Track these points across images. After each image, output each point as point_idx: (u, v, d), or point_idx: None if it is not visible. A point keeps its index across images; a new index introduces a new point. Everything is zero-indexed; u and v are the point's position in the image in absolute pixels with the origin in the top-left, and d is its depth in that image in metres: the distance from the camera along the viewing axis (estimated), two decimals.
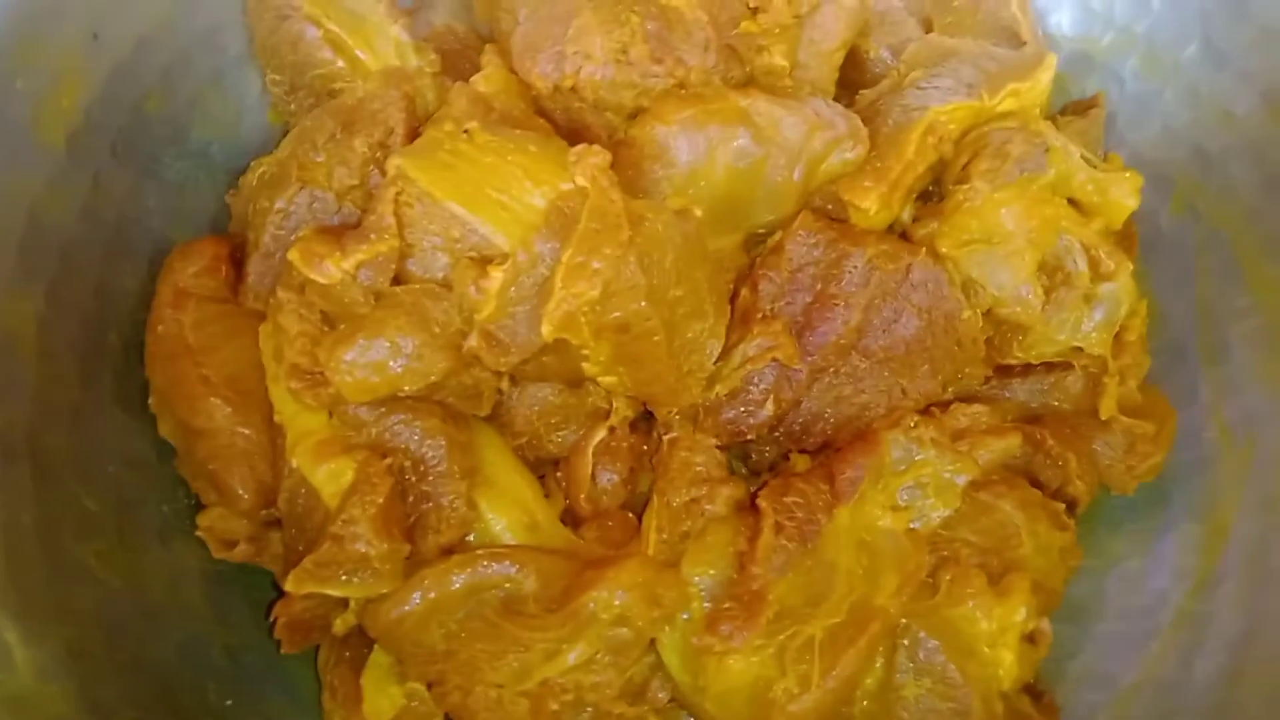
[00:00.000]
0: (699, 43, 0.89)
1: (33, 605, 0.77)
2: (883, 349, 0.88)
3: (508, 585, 0.78)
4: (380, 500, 0.77)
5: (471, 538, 0.83)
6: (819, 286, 0.88)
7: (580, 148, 0.79)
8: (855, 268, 0.87)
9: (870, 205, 0.88)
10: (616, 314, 0.78)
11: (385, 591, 0.78)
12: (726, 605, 0.78)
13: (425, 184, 0.79)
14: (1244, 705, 0.84)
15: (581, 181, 0.77)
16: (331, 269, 0.78)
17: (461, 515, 0.81)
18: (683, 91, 0.88)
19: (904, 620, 0.81)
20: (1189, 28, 1.01)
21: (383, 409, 0.81)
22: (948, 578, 0.82)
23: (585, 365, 0.81)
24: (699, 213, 0.84)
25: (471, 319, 0.79)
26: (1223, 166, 0.99)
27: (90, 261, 0.88)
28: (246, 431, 0.85)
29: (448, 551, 0.81)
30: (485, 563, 0.78)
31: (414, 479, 0.81)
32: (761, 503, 0.81)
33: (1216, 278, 0.99)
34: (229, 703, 0.87)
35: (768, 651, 0.78)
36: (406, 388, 0.79)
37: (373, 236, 0.79)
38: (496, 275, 0.77)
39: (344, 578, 0.76)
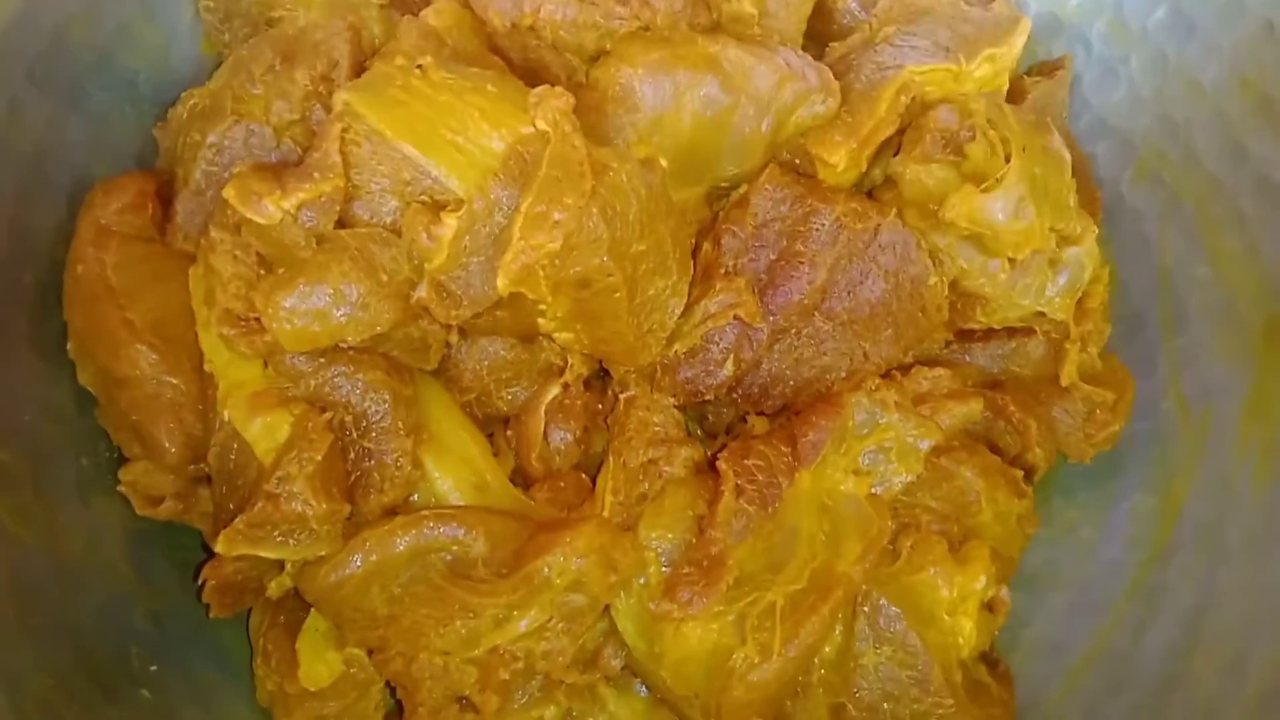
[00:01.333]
0: None
1: None
2: (846, 311, 0.85)
3: (455, 548, 0.75)
4: (318, 457, 0.73)
5: (416, 498, 0.79)
6: (784, 243, 0.85)
7: (542, 89, 0.74)
8: (823, 225, 0.84)
9: (839, 161, 0.85)
10: (577, 268, 0.74)
11: (323, 554, 0.74)
12: (685, 570, 0.75)
13: (375, 121, 0.74)
14: (1197, 677, 0.84)
15: (542, 125, 0.73)
16: (270, 208, 0.73)
17: (406, 474, 0.76)
18: (648, 34, 0.84)
19: (864, 587, 0.79)
20: None
21: (322, 360, 0.77)
22: (908, 544, 0.81)
23: (541, 321, 0.77)
24: (665, 163, 0.80)
25: (421, 268, 0.75)
26: (1187, 136, 0.98)
27: (4, 195, 0.82)
28: (174, 381, 0.80)
29: (391, 512, 0.77)
30: (431, 524, 0.74)
31: (355, 435, 0.77)
32: (721, 465, 0.79)
33: (1177, 248, 0.98)
34: (153, 668, 0.82)
35: (727, 618, 0.75)
36: (349, 338, 0.74)
37: (316, 175, 0.74)
38: (450, 222, 0.73)
39: (279, 539, 0.72)
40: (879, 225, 0.85)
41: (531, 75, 0.86)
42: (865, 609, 0.79)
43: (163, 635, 0.84)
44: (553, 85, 0.76)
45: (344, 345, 0.76)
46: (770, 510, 0.77)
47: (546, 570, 0.73)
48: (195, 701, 0.84)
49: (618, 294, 0.76)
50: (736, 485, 0.77)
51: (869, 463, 0.81)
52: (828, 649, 0.79)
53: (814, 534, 0.78)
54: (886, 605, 0.79)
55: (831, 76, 0.86)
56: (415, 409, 0.79)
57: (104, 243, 0.82)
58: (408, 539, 0.74)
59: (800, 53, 0.87)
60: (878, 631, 0.79)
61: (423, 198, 0.75)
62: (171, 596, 0.86)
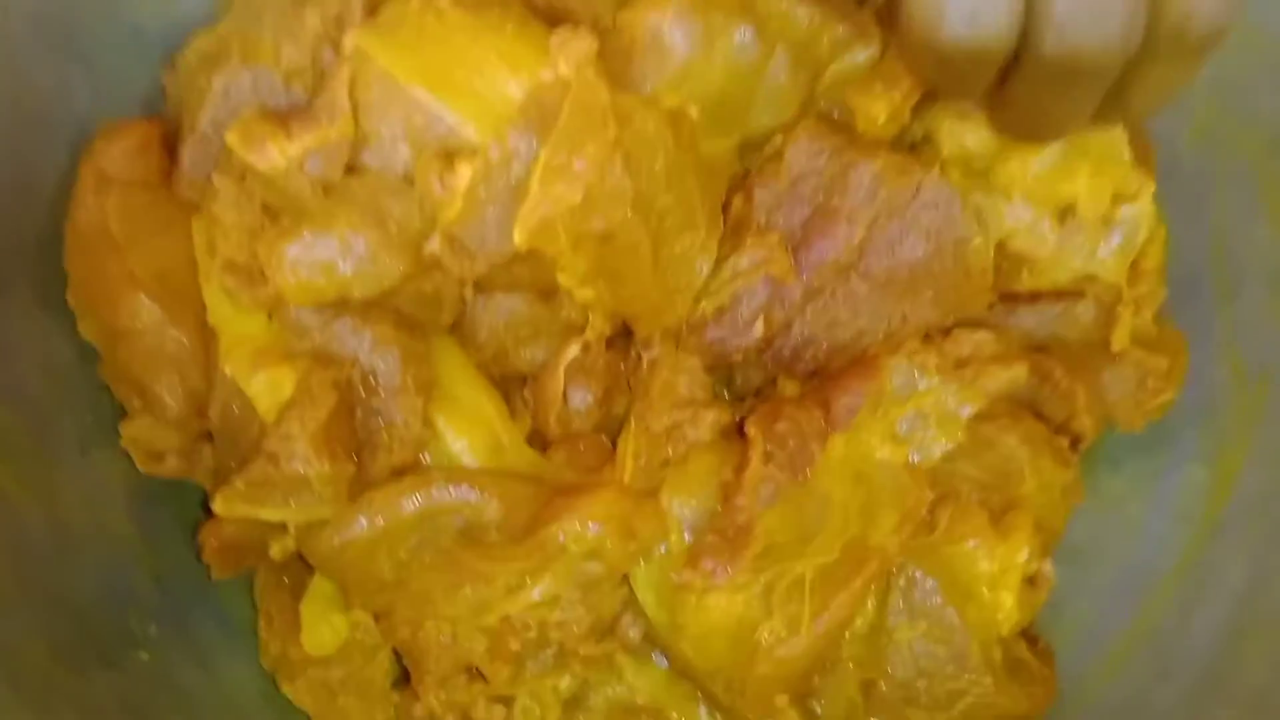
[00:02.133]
0: None
1: None
2: (885, 271, 0.80)
3: (466, 511, 0.71)
4: (322, 415, 0.69)
5: (427, 458, 0.75)
6: (820, 199, 0.80)
7: (564, 30, 0.70)
8: (861, 180, 0.79)
9: (880, 113, 0.80)
10: (598, 222, 0.70)
11: (327, 516, 0.70)
12: (709, 539, 0.72)
13: (386, 64, 0.70)
14: (1246, 660, 0.80)
15: (564, 70, 0.69)
16: (275, 154, 0.70)
17: (415, 434, 0.73)
18: None
19: (900, 559, 0.75)
20: None
21: (329, 313, 0.73)
22: (947, 515, 0.77)
23: (560, 277, 0.73)
24: (695, 113, 0.75)
25: (434, 219, 0.71)
26: (1246, 93, 0.92)
27: (3, 143, 0.78)
28: (176, 334, 0.77)
29: (400, 473, 0.73)
30: (441, 486, 0.71)
31: (363, 393, 0.73)
32: (750, 429, 0.75)
33: (1235, 209, 0.93)
34: (153, 631, 0.80)
35: (753, 590, 0.72)
36: (356, 292, 0.71)
37: (324, 120, 0.71)
38: (465, 172, 0.69)
39: (280, 500, 0.69)
40: (921, 181, 0.80)
41: (554, 19, 0.80)
42: (900, 582, 0.75)
43: (164, 596, 0.82)
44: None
45: (352, 299, 0.72)
46: (801, 478, 0.73)
47: (562, 537, 0.69)
48: (197, 663, 0.82)
49: (641, 250, 0.72)
50: (765, 450, 0.73)
51: (907, 429, 0.77)
52: (859, 623, 0.75)
53: (847, 503, 0.74)
54: (922, 578, 0.75)
55: (873, 24, 0.81)
56: (427, 366, 0.75)
57: (106, 190, 0.79)
58: (416, 501, 0.71)
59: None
60: (913, 605, 0.75)
61: (436, 145, 0.71)
62: (175, 556, 0.83)
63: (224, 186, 0.74)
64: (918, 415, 0.77)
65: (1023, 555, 0.76)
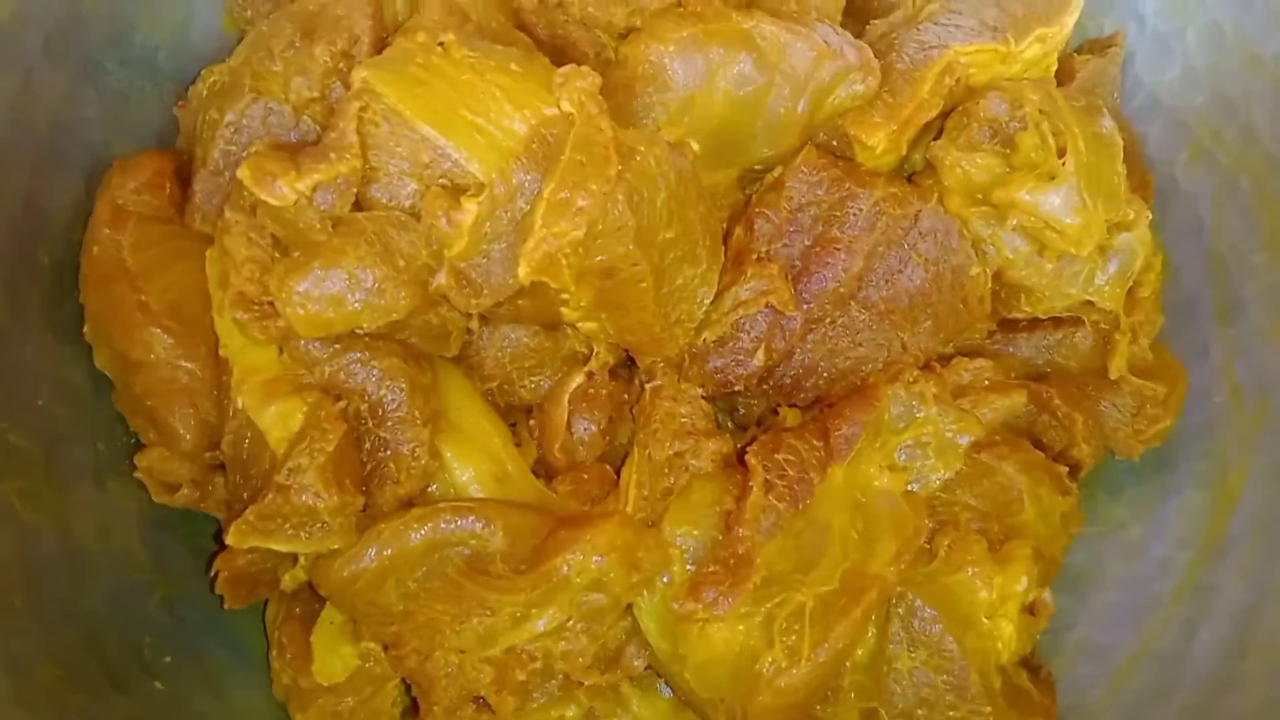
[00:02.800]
0: None
1: None
2: (884, 300, 0.82)
3: (472, 542, 0.72)
4: (330, 448, 0.70)
5: (434, 489, 0.76)
6: (820, 229, 0.81)
7: (568, 69, 0.71)
8: (860, 210, 0.81)
9: (878, 143, 0.82)
10: (601, 257, 0.71)
11: (336, 547, 0.71)
12: (711, 569, 0.72)
13: (394, 101, 0.71)
14: (1247, 681, 0.81)
15: (567, 107, 0.70)
16: (285, 190, 0.70)
17: (423, 465, 0.74)
18: (680, 10, 0.81)
19: (899, 588, 0.76)
20: None
21: (338, 346, 0.74)
22: (946, 543, 0.77)
23: (564, 310, 0.74)
24: (696, 146, 0.76)
25: (440, 254, 0.72)
26: (1245, 113, 0.93)
27: (18, 172, 0.80)
28: (189, 365, 0.78)
29: (407, 504, 0.74)
30: (448, 517, 0.72)
31: (371, 424, 0.74)
32: (751, 459, 0.76)
33: (1233, 231, 0.93)
34: (166, 659, 0.81)
35: (754, 620, 0.72)
36: (365, 325, 0.72)
37: (332, 156, 0.71)
38: (470, 208, 0.70)
39: (290, 532, 0.70)
40: (919, 212, 0.81)
41: (558, 52, 0.83)
42: (900, 611, 0.76)
43: (177, 624, 0.83)
44: (580, 64, 0.73)
45: (360, 332, 0.73)
46: (801, 507, 0.74)
47: (566, 568, 0.70)
48: (209, 691, 0.82)
49: (644, 283, 0.73)
50: (766, 481, 0.74)
51: (905, 458, 0.78)
52: (860, 652, 0.76)
53: (846, 532, 0.75)
54: (922, 607, 0.75)
55: (871, 55, 0.82)
56: (434, 397, 0.76)
57: (121, 223, 0.80)
58: (424, 532, 0.72)
59: (839, 30, 0.83)
60: (912, 634, 0.76)
61: (442, 180, 0.72)
62: (187, 584, 0.84)
63: (236, 220, 0.75)
64: (916, 444, 0.78)
65: (1021, 584, 0.77)
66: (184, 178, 0.84)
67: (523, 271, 0.69)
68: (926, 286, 0.82)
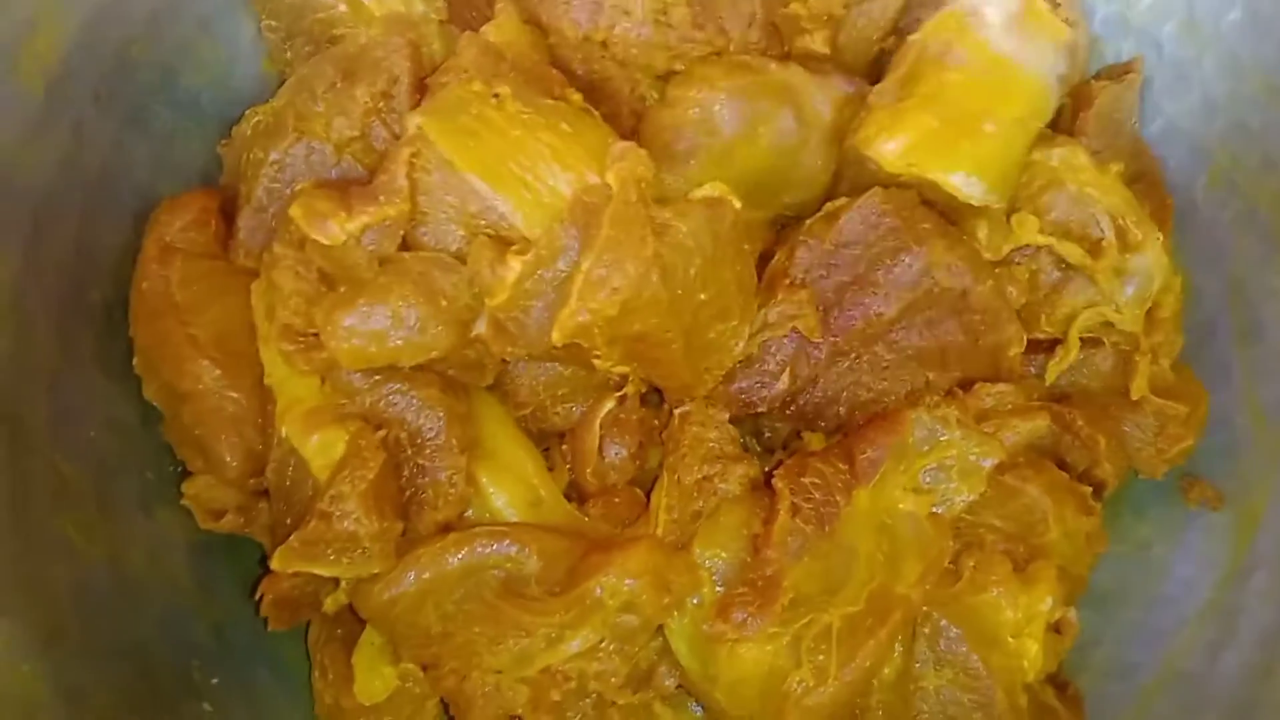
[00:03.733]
0: (744, 15, 0.85)
1: (3, 579, 0.73)
2: (913, 347, 0.83)
3: (508, 565, 0.74)
4: (371, 475, 0.73)
5: (471, 513, 0.79)
6: (861, 269, 0.82)
7: (624, 147, 0.74)
8: (910, 266, 0.81)
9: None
10: (634, 328, 0.74)
11: (376, 571, 0.74)
12: (740, 590, 0.74)
13: (446, 151, 0.74)
14: (1275, 702, 0.81)
15: (611, 180, 0.72)
16: (335, 229, 0.73)
17: (460, 491, 0.76)
18: (726, 59, 0.84)
19: (925, 608, 0.77)
20: None
21: (378, 377, 0.77)
22: (971, 564, 0.79)
23: (596, 360, 0.77)
24: (738, 204, 0.78)
25: (481, 298, 0.74)
26: (1263, 140, 0.94)
27: (70, 215, 0.83)
28: (235, 395, 0.81)
29: (445, 529, 0.77)
30: (484, 542, 0.74)
31: (410, 451, 0.77)
32: (777, 483, 0.77)
33: (1252, 255, 0.94)
34: (214, 681, 0.83)
35: (782, 640, 0.74)
36: (405, 360, 0.75)
37: (382, 199, 0.74)
38: (515, 265, 0.72)
39: (332, 557, 0.72)
40: (968, 291, 0.82)
41: (592, 89, 0.85)
42: (926, 630, 0.77)
43: (223, 647, 0.85)
44: (615, 99, 0.75)
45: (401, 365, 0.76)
46: (827, 530, 0.75)
47: (599, 591, 0.72)
48: (254, 713, 0.85)
49: (674, 345, 0.76)
50: (792, 504, 0.75)
51: (930, 481, 0.79)
52: (887, 671, 0.77)
53: (872, 554, 0.76)
54: (948, 627, 0.77)
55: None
56: (470, 426, 0.79)
57: (168, 260, 0.84)
58: (461, 556, 0.74)
59: (862, 82, 0.86)
60: (938, 654, 0.77)
61: (488, 230, 0.74)
62: (233, 609, 0.87)
63: (284, 254, 0.78)
64: (940, 467, 0.79)
65: (1046, 604, 0.78)
66: (228, 214, 0.87)
67: (557, 336, 0.72)
68: (961, 345, 0.83)
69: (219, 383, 0.81)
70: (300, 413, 0.77)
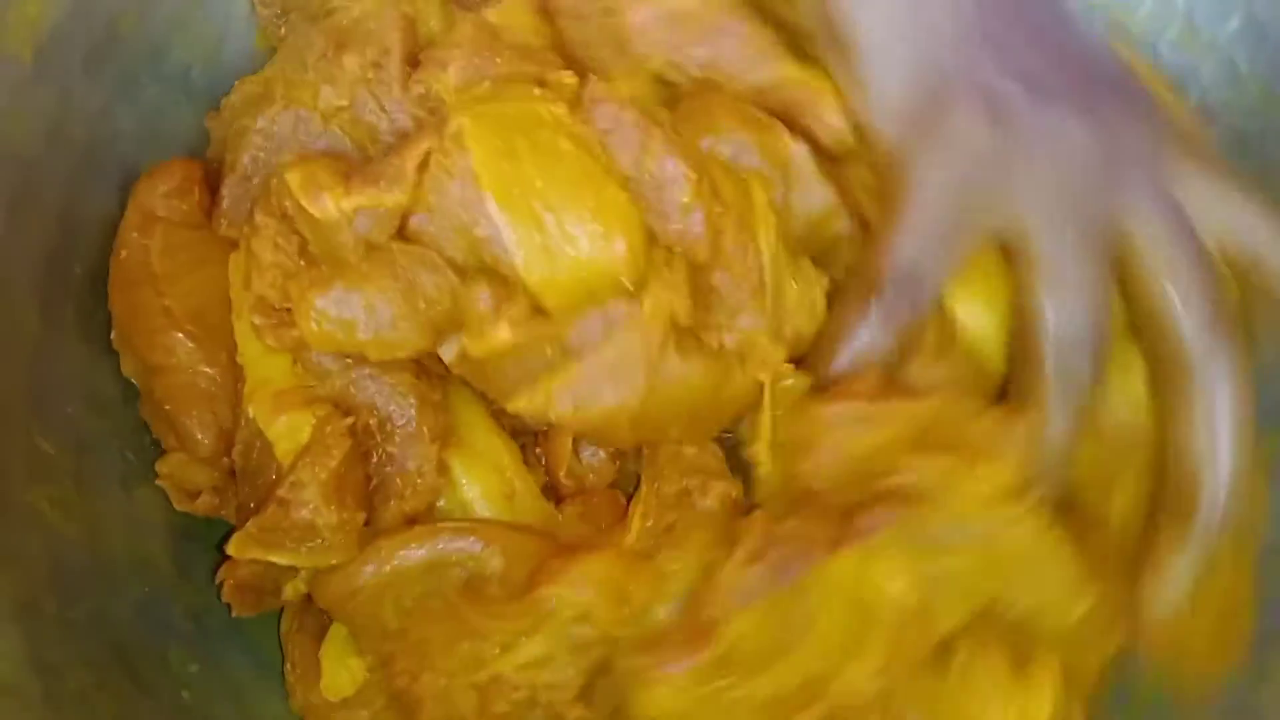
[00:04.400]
0: None
1: None
2: None
3: (470, 563, 0.71)
4: (333, 464, 0.70)
5: (442, 503, 0.76)
6: None
7: (660, 292, 0.69)
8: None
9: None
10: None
11: (335, 562, 0.72)
12: (673, 628, 0.68)
13: (478, 164, 0.68)
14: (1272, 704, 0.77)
15: (645, 308, 0.69)
16: (329, 204, 0.70)
17: (429, 482, 0.74)
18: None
19: (900, 704, 0.67)
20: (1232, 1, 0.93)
21: (349, 360, 0.74)
22: (960, 656, 0.68)
23: None
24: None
25: (463, 320, 0.71)
26: (1259, 150, 0.91)
27: (55, 186, 0.82)
28: (209, 371, 0.79)
29: (412, 521, 0.74)
30: (448, 537, 0.71)
31: (379, 439, 0.74)
32: (755, 516, 0.69)
33: None
34: (192, 669, 0.82)
35: (699, 694, 0.65)
36: (370, 355, 0.72)
37: (383, 184, 0.71)
38: (505, 333, 0.69)
39: (290, 546, 0.70)
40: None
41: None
42: None
43: (201, 633, 0.84)
44: None
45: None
46: (789, 584, 0.65)
47: (553, 601, 0.69)
48: (232, 700, 0.83)
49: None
50: (755, 547, 0.66)
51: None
52: None
53: (829, 632, 0.66)
54: None
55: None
56: (444, 415, 0.76)
57: (149, 229, 0.82)
58: (423, 550, 0.71)
59: None
60: None
61: (486, 258, 0.70)
62: (210, 593, 0.83)
63: (265, 224, 0.76)
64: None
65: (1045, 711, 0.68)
66: (213, 185, 0.85)
67: (517, 407, 0.70)
68: None
69: (192, 357, 0.78)
70: (268, 394, 0.75)
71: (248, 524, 0.71)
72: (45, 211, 0.81)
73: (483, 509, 0.76)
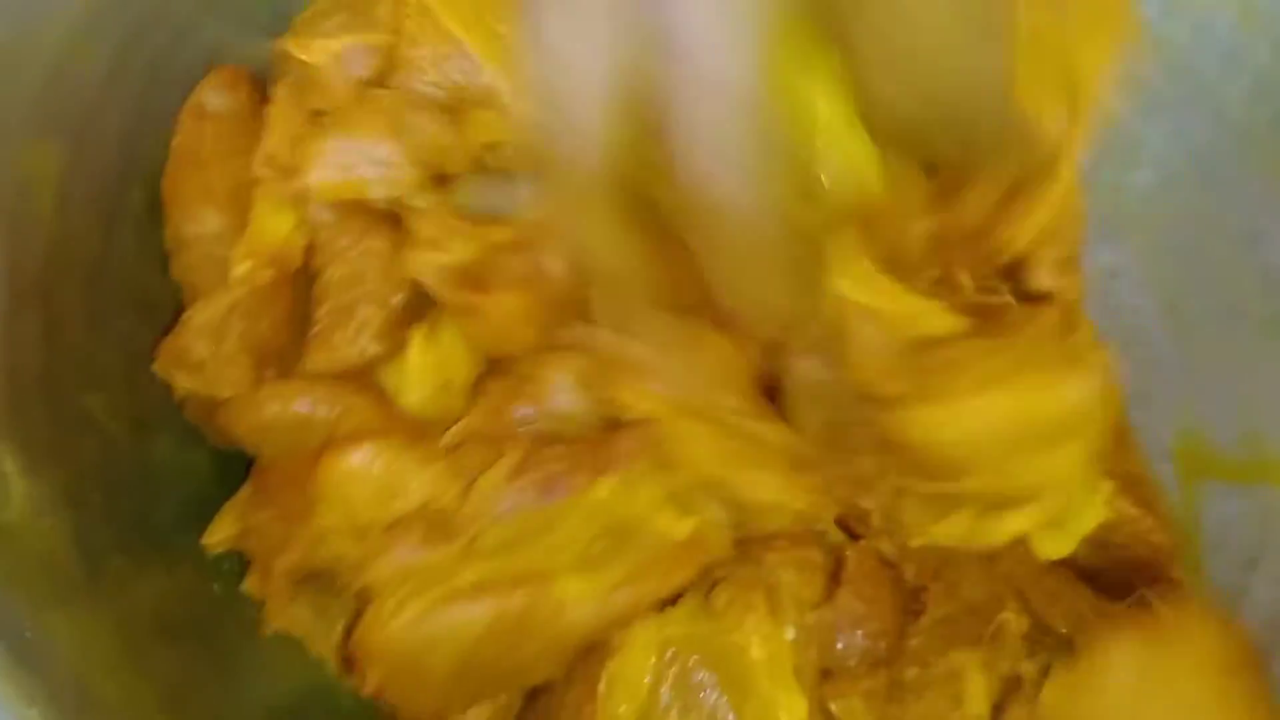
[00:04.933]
0: None
1: (33, 443, 0.79)
2: None
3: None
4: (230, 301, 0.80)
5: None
6: None
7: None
8: None
9: None
10: None
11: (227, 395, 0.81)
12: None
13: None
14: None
15: None
16: (317, 48, 0.81)
17: (361, 346, 0.78)
18: None
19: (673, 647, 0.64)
20: None
21: (343, 210, 0.81)
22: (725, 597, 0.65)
23: None
24: None
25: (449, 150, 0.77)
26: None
27: (117, 114, 0.90)
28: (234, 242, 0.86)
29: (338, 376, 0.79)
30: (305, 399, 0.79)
31: (336, 291, 0.80)
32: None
33: None
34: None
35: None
36: (371, 194, 0.79)
37: (364, 27, 0.81)
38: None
39: (185, 373, 0.81)
40: None
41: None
42: (673, 671, 0.64)
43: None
44: None
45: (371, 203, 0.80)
46: (544, 502, 0.64)
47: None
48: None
49: None
50: (521, 461, 0.65)
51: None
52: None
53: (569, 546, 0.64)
54: (697, 667, 0.63)
55: None
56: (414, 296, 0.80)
57: (203, 116, 0.90)
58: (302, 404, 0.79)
59: None
60: (686, 701, 0.63)
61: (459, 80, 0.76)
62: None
63: (280, 93, 0.86)
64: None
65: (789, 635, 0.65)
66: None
67: None
68: None
69: (219, 231, 0.86)
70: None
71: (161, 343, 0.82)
72: (108, 138, 0.90)
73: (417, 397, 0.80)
